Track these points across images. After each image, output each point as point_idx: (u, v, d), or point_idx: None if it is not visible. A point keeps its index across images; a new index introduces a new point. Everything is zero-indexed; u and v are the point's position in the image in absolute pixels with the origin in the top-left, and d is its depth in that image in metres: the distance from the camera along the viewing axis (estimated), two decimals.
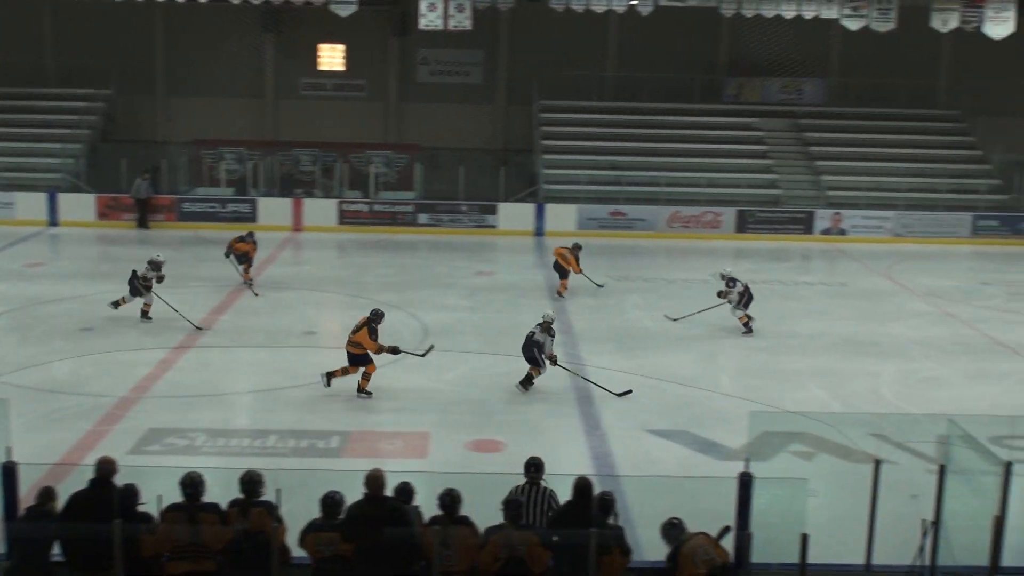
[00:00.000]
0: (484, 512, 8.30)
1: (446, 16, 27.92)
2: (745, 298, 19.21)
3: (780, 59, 34.23)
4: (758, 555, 9.01)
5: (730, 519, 9.32)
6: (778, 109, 34.87)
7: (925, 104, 35.08)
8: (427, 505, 8.44)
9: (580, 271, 22.19)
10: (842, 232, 30.12)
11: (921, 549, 9.58)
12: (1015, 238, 29.99)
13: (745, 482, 9.22)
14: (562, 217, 29.82)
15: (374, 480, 8.30)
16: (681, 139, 33.29)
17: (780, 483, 11.17)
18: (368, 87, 35.75)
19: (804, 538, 8.69)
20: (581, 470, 11.86)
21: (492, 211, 30.23)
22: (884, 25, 26.94)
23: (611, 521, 8.95)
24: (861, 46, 32.13)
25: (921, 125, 34.54)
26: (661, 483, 11.55)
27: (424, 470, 11.92)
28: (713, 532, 8.84)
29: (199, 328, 18.67)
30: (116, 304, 18.99)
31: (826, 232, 30.15)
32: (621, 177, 31.27)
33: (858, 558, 9.91)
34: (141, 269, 19.05)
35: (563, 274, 22.08)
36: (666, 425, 14.52)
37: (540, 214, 30.16)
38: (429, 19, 28.15)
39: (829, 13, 26.93)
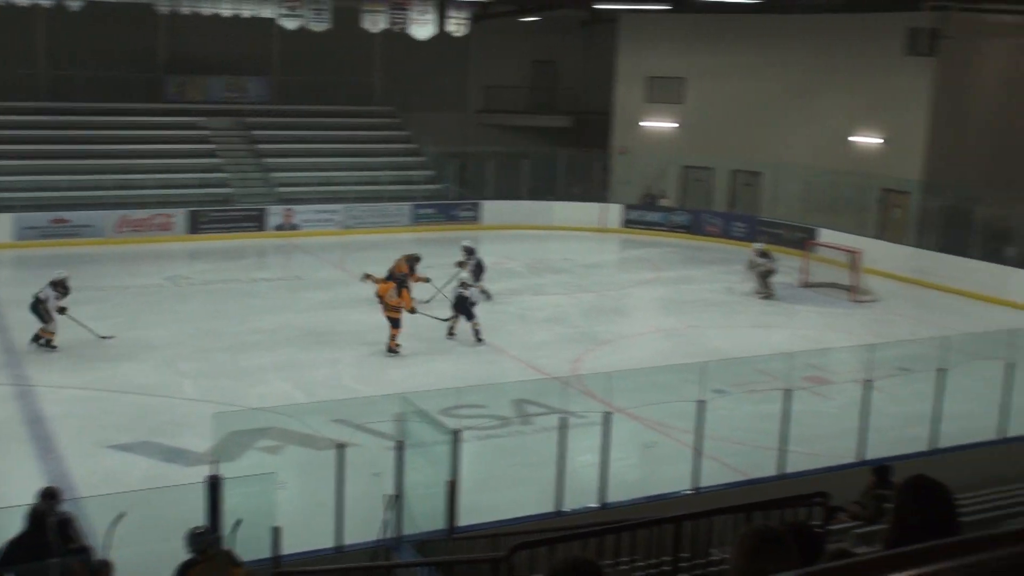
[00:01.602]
0: None
1: None
2: (479, 271, 20.75)
3: (222, 57, 34.04)
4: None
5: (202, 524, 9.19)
6: (223, 108, 34.70)
7: (363, 101, 36.85)
8: None
9: None
10: (295, 227, 30.73)
11: (386, 523, 10.11)
12: (449, 224, 32.49)
13: (214, 484, 9.17)
14: None
15: None
16: (125, 140, 31.97)
17: (249, 480, 11.22)
18: None
19: (276, 531, 8.82)
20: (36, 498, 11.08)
21: None
22: (320, 25, 27.79)
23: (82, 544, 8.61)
24: (301, 45, 32.95)
25: (361, 121, 36.23)
26: (126, 499, 11.09)
27: None
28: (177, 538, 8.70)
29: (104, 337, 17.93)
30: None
31: (279, 228, 30.59)
32: (61, 182, 29.35)
33: (330, 541, 10.23)
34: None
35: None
36: (128, 439, 13.97)
37: None
38: None
39: (266, 12, 27.26)
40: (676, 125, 34.59)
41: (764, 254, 23.95)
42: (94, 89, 32.62)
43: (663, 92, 34.41)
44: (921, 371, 13.93)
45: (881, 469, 10.25)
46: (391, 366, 17.73)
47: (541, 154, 35.27)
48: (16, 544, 8.39)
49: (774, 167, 31.42)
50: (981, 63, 29.14)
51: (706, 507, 8.39)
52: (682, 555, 8.12)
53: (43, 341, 17.72)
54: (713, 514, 7.72)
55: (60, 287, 17.72)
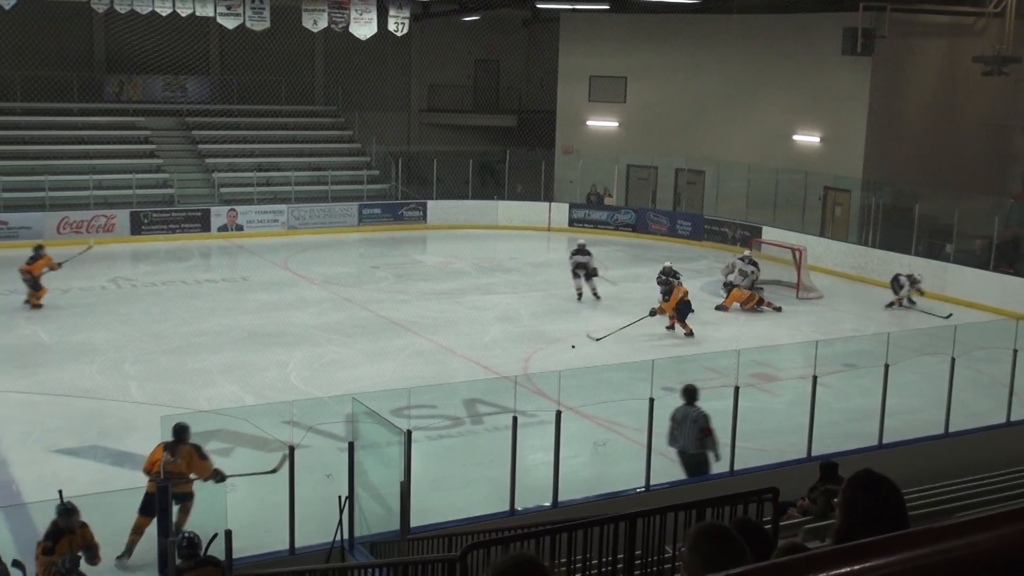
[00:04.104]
0: None
1: None
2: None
3: (161, 56, 33.59)
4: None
5: (152, 528, 9.12)
6: (163, 107, 34.31)
7: (305, 100, 36.62)
8: None
9: None
10: (239, 228, 30.45)
11: (340, 525, 10.09)
12: (396, 224, 32.42)
13: (163, 488, 9.09)
14: None
15: None
16: (64, 140, 31.51)
17: (198, 484, 11.12)
18: None
19: (228, 534, 8.76)
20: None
21: None
22: (259, 24, 27.54)
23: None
24: (241, 44, 32.66)
25: (304, 120, 36.03)
26: (76, 504, 10.93)
27: None
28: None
29: None
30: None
31: (223, 229, 30.30)
32: None
33: (283, 544, 10.18)
34: None
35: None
36: (74, 443, 13.79)
37: None
38: None
39: (205, 11, 26.94)
40: (618, 124, 34.83)
41: (753, 262, 23.49)
42: (31, 89, 32.08)
43: (605, 91, 34.62)
44: (866, 367, 14.16)
45: (828, 465, 10.42)
46: (340, 367, 17.65)
47: (485, 153, 35.32)
48: None
49: (717, 165, 31.74)
50: (915, 62, 29.67)
51: (658, 504, 8.46)
52: (636, 553, 8.19)
53: None
54: (666, 511, 7.79)
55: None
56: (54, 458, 13.27)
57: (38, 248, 21.52)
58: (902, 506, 3.22)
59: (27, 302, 20.98)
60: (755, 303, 22.60)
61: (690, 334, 20.08)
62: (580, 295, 23.06)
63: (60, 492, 9.72)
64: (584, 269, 23.15)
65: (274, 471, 10.79)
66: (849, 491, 3.24)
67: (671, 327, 20.37)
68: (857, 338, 19.56)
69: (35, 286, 21.02)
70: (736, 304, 22.60)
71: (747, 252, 24.24)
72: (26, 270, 20.94)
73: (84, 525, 9.57)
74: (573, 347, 18.85)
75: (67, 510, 9.43)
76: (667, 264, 22.33)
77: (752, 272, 23.04)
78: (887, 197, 28.10)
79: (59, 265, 21.54)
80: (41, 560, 9.07)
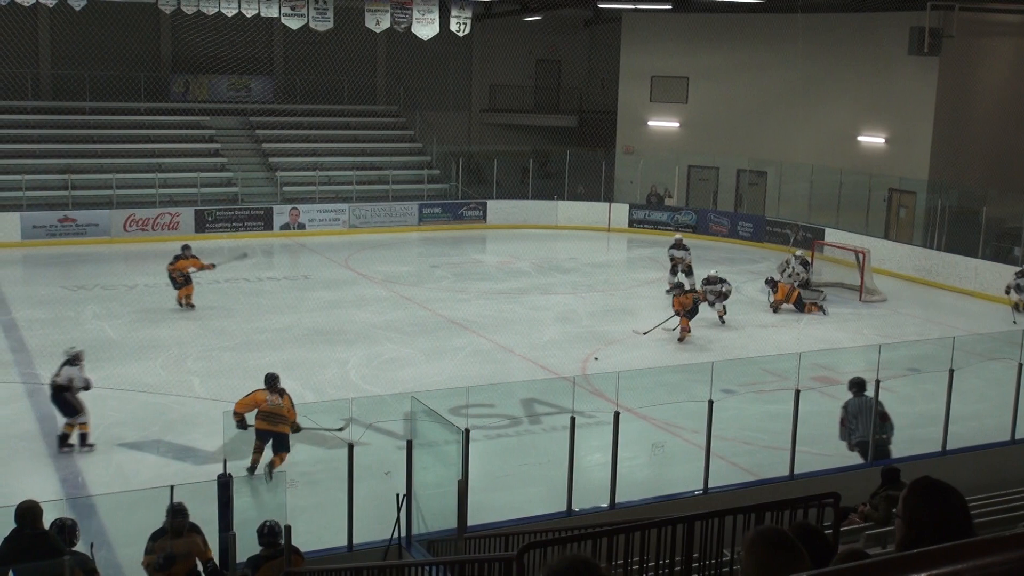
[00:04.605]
0: None
1: None
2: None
3: (226, 56, 34.02)
4: (244, 553, 9.03)
5: (213, 523, 9.23)
6: (228, 107, 34.78)
7: (367, 100, 36.89)
8: None
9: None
10: (301, 227, 30.77)
11: (397, 522, 10.15)
12: (456, 223, 32.53)
13: (224, 483, 9.19)
14: (3, 226, 27.40)
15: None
16: (130, 139, 32.07)
17: (260, 479, 11.26)
18: None
19: (287, 529, 8.84)
20: (49, 496, 11.15)
21: None
22: (323, 24, 27.80)
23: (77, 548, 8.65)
24: (304, 44, 33.00)
25: (365, 120, 36.29)
26: (138, 497, 11.14)
27: None
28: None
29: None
30: None
31: (285, 227, 30.63)
32: (68, 181, 29.40)
33: (341, 540, 10.26)
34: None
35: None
36: (138, 436, 14.02)
37: None
38: None
39: (270, 12, 27.26)
40: (679, 125, 34.63)
41: (805, 263, 23.64)
42: (99, 88, 32.70)
43: (667, 91, 34.44)
44: (930, 371, 13.92)
45: (890, 471, 10.27)
46: (399, 366, 17.75)
47: (546, 153, 35.31)
48: (9, 541, 8.33)
49: (779, 166, 31.41)
50: (984, 62, 29.14)
51: (716, 507, 8.40)
52: (693, 556, 8.13)
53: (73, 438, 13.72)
54: (724, 514, 7.72)
55: (76, 360, 13.91)
56: (118, 452, 13.50)
57: (185, 247, 21.46)
58: (966, 513, 3.14)
59: (179, 302, 21.03)
60: (794, 300, 22.44)
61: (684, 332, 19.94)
62: (670, 289, 23.03)
63: (172, 491, 9.43)
64: (681, 263, 23.65)
65: (340, 429, 12.09)
66: (910, 498, 3.16)
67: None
68: (921, 342, 19.24)
69: (184, 282, 21.01)
70: (783, 302, 22.48)
71: (799, 252, 24.20)
72: (172, 269, 20.98)
73: (195, 530, 9.22)
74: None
75: (173, 510, 9.16)
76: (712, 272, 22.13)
77: (800, 274, 23.02)
78: (953, 199, 27.61)
79: (212, 265, 21.59)
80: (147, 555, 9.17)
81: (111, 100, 32.68)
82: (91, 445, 13.38)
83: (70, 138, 31.38)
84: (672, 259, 23.97)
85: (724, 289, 21.06)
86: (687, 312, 19.98)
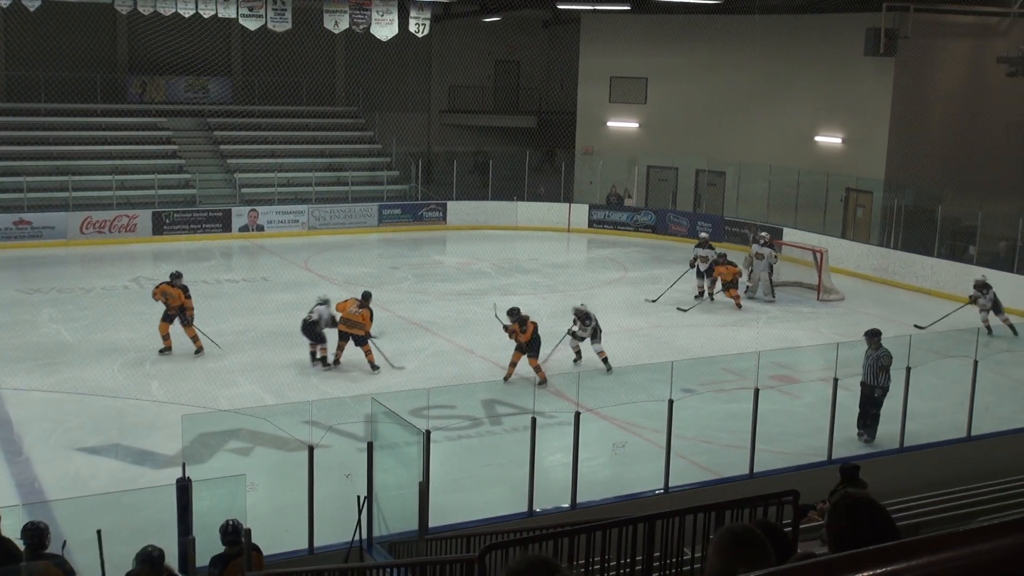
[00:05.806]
0: None
1: None
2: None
3: (184, 57, 33.71)
4: (204, 558, 8.97)
5: (172, 527, 9.15)
6: (185, 108, 34.49)
7: (326, 101, 36.73)
8: None
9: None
10: (260, 228, 30.54)
11: (358, 524, 10.11)
12: (416, 224, 32.45)
13: (183, 487, 9.12)
14: None
15: None
16: (86, 141, 31.71)
17: (219, 483, 11.17)
18: None
19: (247, 533, 8.79)
20: (6, 501, 11.00)
21: None
22: (281, 25, 27.61)
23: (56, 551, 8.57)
24: (263, 45, 32.77)
25: (324, 121, 36.13)
26: (95, 502, 11.02)
27: None
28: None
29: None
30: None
31: (244, 229, 30.40)
32: (24, 183, 28.99)
33: (302, 543, 10.21)
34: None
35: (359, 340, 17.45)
36: (96, 441, 13.87)
37: None
38: None
39: (227, 12, 27.04)
40: (638, 125, 34.77)
41: (769, 243, 24.16)
42: (54, 90, 32.32)
43: (626, 92, 34.57)
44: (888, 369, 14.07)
45: (849, 468, 10.37)
46: (359, 367, 17.67)
47: (506, 154, 35.33)
48: None
49: (738, 166, 31.62)
50: (939, 63, 29.49)
51: (677, 506, 8.44)
52: (654, 555, 8.17)
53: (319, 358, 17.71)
54: (684, 513, 7.76)
55: (325, 302, 17.97)
56: (76, 456, 13.35)
57: (175, 276, 18.79)
58: (891, 524, 3.08)
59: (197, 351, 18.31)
60: (731, 279, 22.75)
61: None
62: (700, 294, 23.30)
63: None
64: (705, 263, 23.46)
65: (401, 368, 17.35)
66: (834, 519, 3.10)
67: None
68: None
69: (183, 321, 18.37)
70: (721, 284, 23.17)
71: (764, 233, 24.73)
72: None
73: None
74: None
75: (148, 557, 8.15)
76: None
77: (771, 254, 23.75)
78: (909, 199, 27.93)
79: (191, 311, 18.47)
80: None
81: (67, 101, 32.30)
82: (330, 364, 17.48)
83: (25, 140, 30.99)
84: (696, 258, 23.49)
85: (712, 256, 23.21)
86: (731, 283, 22.55)
